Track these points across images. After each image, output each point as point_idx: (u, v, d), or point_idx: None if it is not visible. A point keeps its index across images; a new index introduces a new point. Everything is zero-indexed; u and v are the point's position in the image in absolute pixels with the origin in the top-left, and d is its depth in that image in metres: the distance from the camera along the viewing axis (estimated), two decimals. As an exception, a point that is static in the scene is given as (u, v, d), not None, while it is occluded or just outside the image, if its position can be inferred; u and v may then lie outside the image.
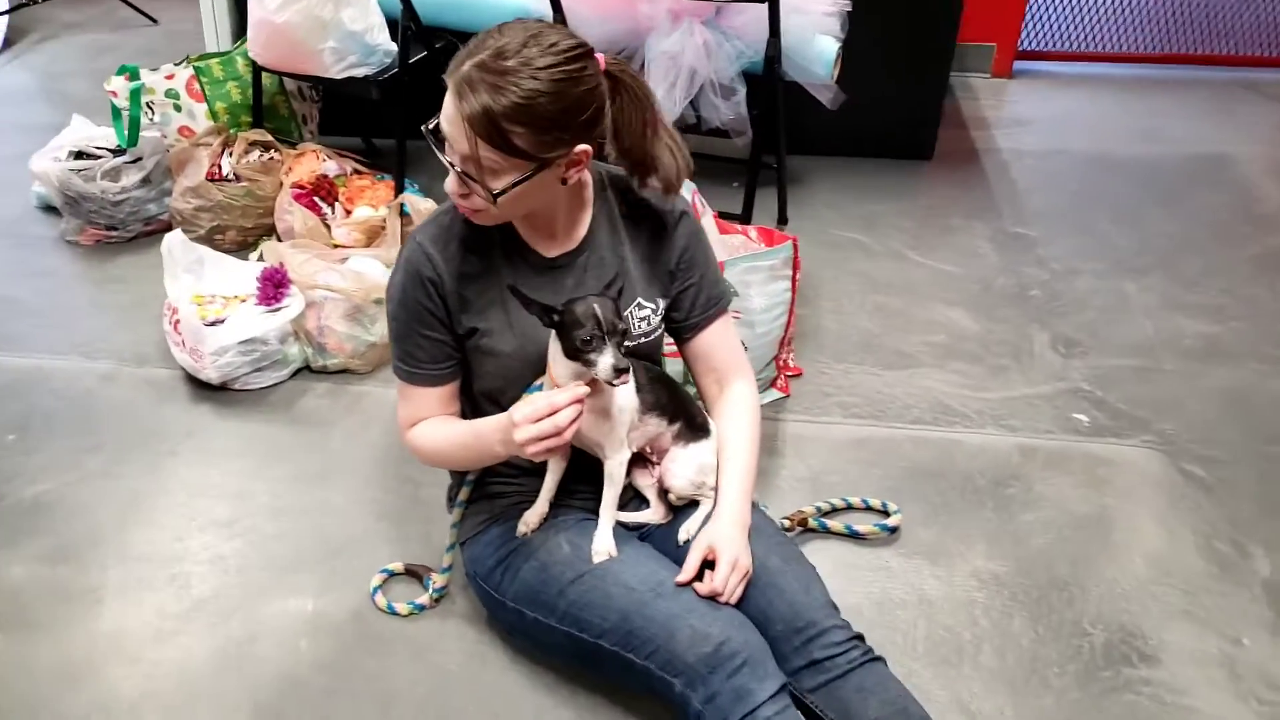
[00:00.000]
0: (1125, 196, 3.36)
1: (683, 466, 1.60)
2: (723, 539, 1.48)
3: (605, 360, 1.33)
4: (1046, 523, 2.01)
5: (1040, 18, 4.55)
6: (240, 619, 1.82)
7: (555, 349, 1.42)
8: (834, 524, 1.97)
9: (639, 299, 1.56)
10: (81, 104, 3.44)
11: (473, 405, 1.62)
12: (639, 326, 1.56)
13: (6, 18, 4.66)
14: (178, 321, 2.32)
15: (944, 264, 2.94)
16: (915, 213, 3.22)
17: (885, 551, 1.95)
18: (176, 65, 3.05)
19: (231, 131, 2.95)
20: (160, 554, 1.95)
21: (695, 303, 1.60)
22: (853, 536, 1.97)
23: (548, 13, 2.54)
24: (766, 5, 2.33)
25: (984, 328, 2.64)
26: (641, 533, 1.64)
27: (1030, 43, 4.55)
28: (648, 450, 1.62)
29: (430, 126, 1.37)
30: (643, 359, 1.58)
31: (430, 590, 1.81)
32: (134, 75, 2.99)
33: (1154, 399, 2.37)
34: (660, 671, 1.40)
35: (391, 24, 2.82)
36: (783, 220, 3.12)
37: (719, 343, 1.64)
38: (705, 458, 1.60)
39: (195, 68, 3.00)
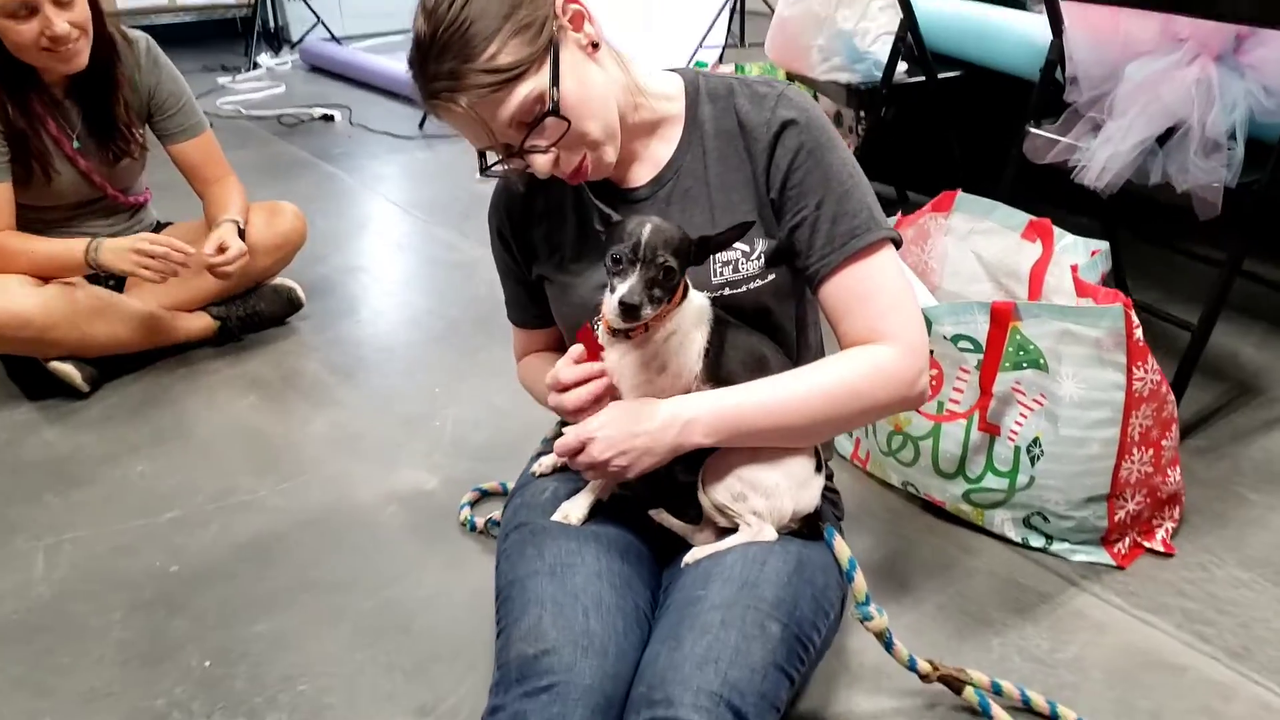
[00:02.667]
0: None
1: (727, 464, 1.17)
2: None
3: (618, 291, 1.05)
4: None
5: None
6: (385, 464, 1.90)
7: None
8: (1001, 715, 1.27)
9: None
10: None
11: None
12: (720, 273, 1.18)
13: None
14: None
15: None
16: None
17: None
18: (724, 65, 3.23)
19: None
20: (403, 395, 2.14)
21: (812, 243, 1.14)
22: (1016, 745, 1.24)
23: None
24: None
25: None
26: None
27: None
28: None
29: (484, 166, 1.16)
30: (734, 313, 1.19)
31: (490, 518, 1.66)
32: (700, 65, 3.25)
33: None
34: (495, 656, 1.08)
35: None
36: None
37: (854, 297, 1.14)
38: (758, 467, 1.16)
39: (736, 66, 3.14)
